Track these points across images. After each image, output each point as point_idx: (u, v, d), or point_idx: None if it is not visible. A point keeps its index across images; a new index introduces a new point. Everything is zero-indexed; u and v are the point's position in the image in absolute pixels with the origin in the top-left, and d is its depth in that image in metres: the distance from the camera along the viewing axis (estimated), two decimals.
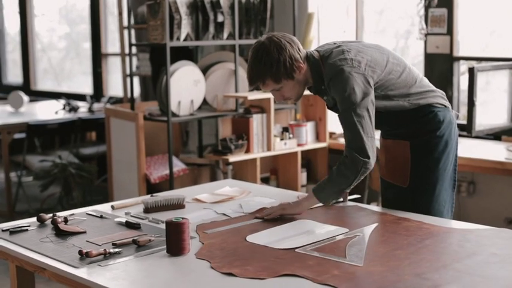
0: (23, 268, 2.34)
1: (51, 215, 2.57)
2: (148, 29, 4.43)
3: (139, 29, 5.63)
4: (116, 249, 2.19)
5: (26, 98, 6.49)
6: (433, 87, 2.74)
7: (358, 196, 2.84)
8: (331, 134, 5.02)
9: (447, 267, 2.02)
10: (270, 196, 2.91)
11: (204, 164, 4.98)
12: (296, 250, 2.20)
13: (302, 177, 4.88)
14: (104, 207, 2.79)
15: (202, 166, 4.97)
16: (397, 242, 2.27)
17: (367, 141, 2.49)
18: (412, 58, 5.20)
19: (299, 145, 4.75)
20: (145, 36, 4.77)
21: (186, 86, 4.50)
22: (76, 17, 8.14)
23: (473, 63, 4.61)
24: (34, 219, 2.58)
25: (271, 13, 4.98)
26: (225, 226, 2.48)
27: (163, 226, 2.34)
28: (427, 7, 4.71)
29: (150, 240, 2.28)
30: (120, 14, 5.95)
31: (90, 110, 6.28)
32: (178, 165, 4.78)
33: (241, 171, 4.63)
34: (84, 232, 2.43)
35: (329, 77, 2.56)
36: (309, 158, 5.07)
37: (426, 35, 4.74)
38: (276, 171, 4.94)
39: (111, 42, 7.31)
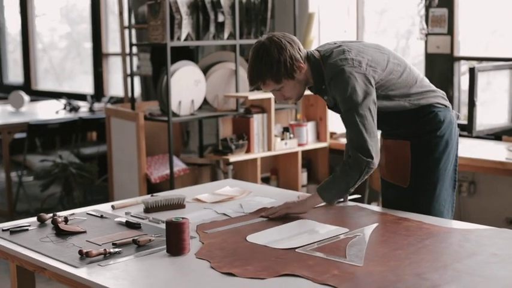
0: (23, 268, 2.34)
1: (51, 214, 2.57)
2: (148, 29, 4.43)
3: (140, 28, 5.63)
4: (116, 249, 2.19)
5: (26, 97, 6.49)
6: (434, 87, 2.74)
7: (359, 196, 2.84)
8: (332, 134, 5.02)
9: (447, 267, 2.02)
10: (271, 196, 2.91)
11: (205, 164, 4.98)
12: (296, 250, 2.20)
13: (302, 177, 4.88)
14: (104, 207, 2.79)
15: (203, 166, 4.97)
16: (397, 242, 2.27)
17: (370, 141, 2.50)
18: (413, 58, 5.20)
19: (299, 145, 4.75)
20: (146, 36, 4.77)
21: (187, 86, 4.50)
22: (77, 16, 8.14)
23: (474, 63, 4.61)
24: (34, 219, 2.58)
25: (272, 13, 4.97)
26: (225, 226, 2.48)
27: (163, 226, 2.34)
28: (427, 7, 4.71)
29: (150, 240, 2.28)
30: (121, 13, 5.96)
31: (91, 110, 6.29)
32: (179, 165, 4.78)
33: (242, 171, 4.63)
34: (85, 232, 2.43)
35: (330, 76, 2.56)
36: (309, 158, 5.07)
37: (427, 35, 4.74)
38: (276, 171, 4.94)
39: (112, 42, 7.31)
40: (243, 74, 4.64)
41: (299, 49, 2.58)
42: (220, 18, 4.58)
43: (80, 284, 2.04)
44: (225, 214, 2.65)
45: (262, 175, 4.75)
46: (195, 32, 4.55)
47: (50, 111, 6.33)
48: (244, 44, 4.91)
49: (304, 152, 4.91)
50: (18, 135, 5.87)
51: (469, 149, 4.18)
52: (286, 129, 4.73)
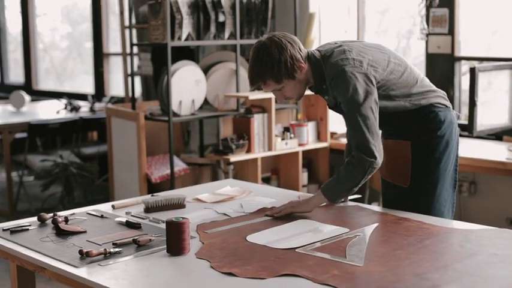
0: (23, 267, 2.34)
1: (51, 214, 2.57)
2: (149, 29, 4.43)
3: (140, 28, 5.63)
4: (116, 249, 2.19)
5: (27, 97, 6.50)
6: (434, 87, 2.73)
7: (359, 196, 2.84)
8: (333, 134, 5.02)
9: (447, 268, 2.02)
10: (271, 196, 2.90)
11: (205, 163, 4.98)
12: (296, 250, 2.20)
13: (303, 177, 4.88)
14: (105, 207, 2.79)
15: (203, 166, 4.97)
16: (398, 242, 2.27)
17: (373, 141, 2.50)
18: (414, 58, 5.20)
19: (300, 145, 4.75)
20: (147, 35, 4.77)
21: (187, 86, 4.50)
22: (77, 16, 8.14)
23: (475, 63, 4.61)
24: (35, 218, 2.58)
25: (273, 13, 4.98)
26: (225, 226, 2.48)
27: (163, 226, 2.34)
28: (428, 7, 4.71)
29: (150, 239, 2.28)
30: (122, 13, 5.96)
31: (92, 110, 6.29)
32: (179, 165, 4.79)
33: (242, 171, 4.63)
34: (85, 232, 2.43)
35: (331, 76, 2.56)
36: (310, 158, 5.07)
37: (427, 35, 4.74)
38: (277, 171, 4.94)
39: (113, 42, 7.32)
40: (243, 73, 4.64)
41: (300, 49, 2.58)
42: (221, 18, 4.58)
43: (80, 284, 2.04)
44: (225, 214, 2.65)
45: (262, 175, 4.75)
46: (196, 32, 4.55)
47: (51, 111, 6.33)
48: (244, 44, 4.91)
49: (304, 152, 4.91)
50: (19, 135, 5.87)
51: (469, 149, 4.18)
52: (286, 129, 4.74)
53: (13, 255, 2.32)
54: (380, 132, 2.75)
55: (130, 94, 5.26)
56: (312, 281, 1.94)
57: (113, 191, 5.00)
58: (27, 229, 2.47)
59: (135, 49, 5.98)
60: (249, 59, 2.59)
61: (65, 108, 6.30)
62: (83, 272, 2.05)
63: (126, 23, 5.79)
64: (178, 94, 4.45)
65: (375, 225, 2.46)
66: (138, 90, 6.27)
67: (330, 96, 2.65)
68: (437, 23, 4.71)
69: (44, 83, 8.43)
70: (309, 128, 4.83)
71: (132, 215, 2.65)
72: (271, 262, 2.09)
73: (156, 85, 5.28)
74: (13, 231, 2.44)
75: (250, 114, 4.51)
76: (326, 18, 5.29)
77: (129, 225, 2.49)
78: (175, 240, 2.18)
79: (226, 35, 4.63)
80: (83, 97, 7.00)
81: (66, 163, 5.53)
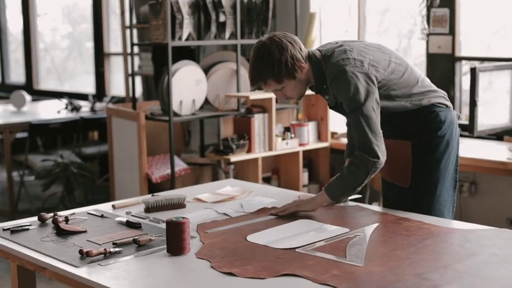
0: (23, 267, 2.34)
1: (52, 214, 2.57)
2: (150, 29, 4.43)
3: (141, 28, 5.64)
4: (117, 249, 2.20)
5: (28, 97, 6.50)
6: (435, 88, 2.73)
7: (359, 196, 2.84)
8: (333, 133, 5.02)
9: (447, 268, 2.02)
10: (271, 196, 2.90)
11: (206, 163, 4.98)
12: (296, 250, 2.20)
13: (304, 177, 4.88)
14: (105, 207, 2.79)
15: (204, 166, 4.97)
16: (398, 242, 2.27)
17: (376, 141, 2.50)
18: (414, 58, 5.20)
19: (301, 145, 4.75)
20: (148, 35, 4.77)
21: (188, 86, 4.50)
22: (78, 16, 8.15)
23: (476, 64, 4.61)
24: (35, 218, 2.59)
25: (273, 13, 4.98)
26: (225, 226, 2.48)
27: (164, 226, 2.34)
28: (429, 7, 4.71)
29: (150, 239, 2.28)
30: (123, 13, 5.97)
31: (92, 110, 6.29)
32: (180, 165, 4.79)
33: (243, 171, 4.63)
34: (85, 231, 2.43)
35: (331, 76, 2.56)
36: (310, 158, 5.07)
37: (428, 35, 4.74)
38: (277, 171, 4.94)
39: (114, 42, 7.32)
40: (244, 73, 4.64)
41: (300, 49, 2.58)
42: (222, 18, 4.58)
43: (81, 284, 2.04)
44: (225, 214, 2.65)
45: (263, 175, 4.75)
46: (196, 32, 4.55)
47: (52, 110, 6.33)
48: (245, 44, 4.91)
49: (305, 152, 4.91)
50: (19, 135, 5.88)
51: (470, 149, 4.18)
52: (287, 129, 4.74)
53: (13, 255, 2.32)
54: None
55: (131, 94, 5.26)
56: (312, 281, 1.95)
57: (114, 191, 5.00)
58: (28, 229, 2.47)
59: (136, 49, 5.99)
60: (250, 59, 2.60)
61: (66, 108, 6.30)
62: (83, 272, 2.05)
63: (127, 22, 5.79)
64: (179, 94, 4.45)
65: (375, 225, 2.46)
66: (138, 90, 6.27)
67: (331, 96, 2.65)
68: (438, 23, 4.71)
69: (44, 83, 8.43)
70: (310, 128, 4.83)
71: (132, 215, 2.65)
72: (271, 262, 2.09)
73: (157, 85, 5.28)
74: (13, 231, 2.45)
75: (250, 114, 4.51)
76: (327, 18, 5.29)
77: (129, 225, 2.49)
78: (175, 240, 2.18)
79: (227, 35, 4.63)
80: (83, 97, 7.00)
81: (67, 163, 5.53)
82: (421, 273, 1.98)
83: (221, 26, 4.62)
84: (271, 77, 2.55)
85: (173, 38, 4.38)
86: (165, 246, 2.21)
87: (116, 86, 7.31)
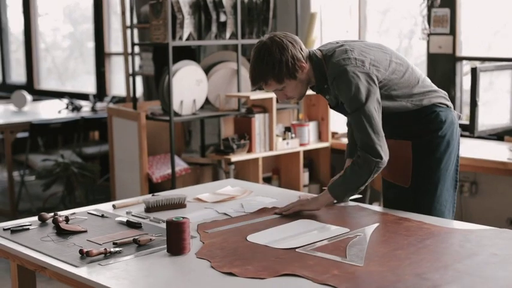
0: (24, 267, 2.34)
1: (52, 214, 2.57)
2: (150, 29, 4.43)
3: (142, 28, 5.64)
4: (117, 249, 2.20)
5: (29, 97, 6.50)
6: (436, 88, 2.73)
7: (360, 196, 2.84)
8: (334, 133, 5.02)
9: (447, 268, 2.02)
10: (272, 196, 2.90)
11: (206, 163, 4.98)
12: (296, 250, 2.20)
13: (304, 177, 4.88)
14: (106, 207, 2.80)
15: (205, 166, 4.97)
16: (398, 242, 2.27)
17: (378, 141, 2.50)
18: (415, 58, 5.20)
19: (301, 145, 4.75)
20: (148, 35, 4.77)
21: (189, 86, 4.50)
22: (79, 16, 8.15)
23: (476, 64, 4.61)
24: (35, 218, 2.59)
25: (274, 13, 4.97)
26: (225, 226, 2.48)
27: (164, 225, 2.34)
28: (429, 7, 4.71)
29: (150, 239, 2.28)
30: (123, 13, 5.97)
31: (93, 110, 6.30)
32: (181, 165, 4.79)
33: (243, 171, 4.63)
34: (85, 231, 2.44)
35: (332, 76, 2.56)
36: (311, 158, 5.07)
37: (429, 35, 4.74)
38: (278, 171, 4.94)
39: (114, 42, 7.32)
40: (244, 73, 4.64)
41: (301, 49, 2.58)
42: (222, 18, 4.58)
43: (81, 284, 2.04)
44: (226, 214, 2.65)
45: (263, 175, 4.75)
46: (197, 32, 4.55)
47: (52, 110, 6.34)
48: (246, 44, 4.91)
49: (305, 152, 4.91)
50: (20, 135, 5.88)
51: (470, 149, 4.18)
52: (287, 129, 4.73)
53: (14, 254, 2.32)
54: None
55: (131, 94, 5.26)
56: (312, 281, 1.94)
57: (114, 191, 5.00)
58: (28, 229, 2.47)
59: (137, 49, 5.99)
60: (250, 59, 2.60)
61: (67, 108, 6.30)
62: (83, 272, 2.05)
63: (128, 22, 5.79)
64: (180, 94, 4.45)
65: (376, 225, 2.46)
66: (139, 90, 6.27)
67: (332, 96, 2.65)
68: (439, 23, 4.71)
69: (45, 83, 8.44)
70: (310, 128, 4.83)
71: (132, 215, 2.65)
72: (272, 262, 2.09)
73: (158, 85, 5.28)
74: (14, 230, 2.45)
75: (251, 114, 4.51)
76: (327, 18, 5.29)
77: (129, 224, 2.49)
78: (175, 240, 2.18)
79: (228, 34, 4.63)
80: (84, 97, 7.01)
81: (68, 163, 5.54)
82: (421, 273, 1.98)
83: (222, 26, 4.62)
84: (271, 77, 2.55)
85: (174, 37, 4.38)
86: (165, 246, 2.21)
87: (117, 85, 7.31)
